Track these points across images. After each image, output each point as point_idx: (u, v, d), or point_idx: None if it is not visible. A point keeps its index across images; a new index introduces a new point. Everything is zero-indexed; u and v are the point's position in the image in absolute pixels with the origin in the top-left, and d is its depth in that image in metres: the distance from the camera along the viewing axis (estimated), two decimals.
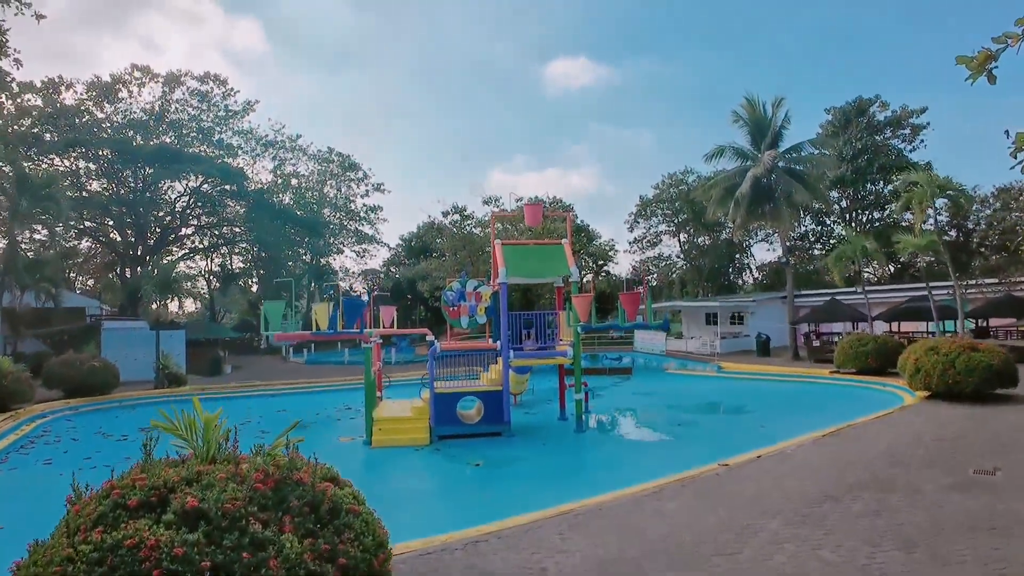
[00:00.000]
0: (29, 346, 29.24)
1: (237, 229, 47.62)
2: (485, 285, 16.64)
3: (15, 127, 30.43)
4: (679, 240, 64.35)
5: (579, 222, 60.02)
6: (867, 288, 28.64)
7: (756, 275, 63.65)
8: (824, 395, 21.27)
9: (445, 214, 51.86)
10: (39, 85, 37.47)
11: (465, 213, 51.42)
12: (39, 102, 37.58)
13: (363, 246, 63.45)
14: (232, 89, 44.09)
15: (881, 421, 13.34)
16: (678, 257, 65.51)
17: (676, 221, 62.21)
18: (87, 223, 42.64)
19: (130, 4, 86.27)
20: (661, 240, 65.06)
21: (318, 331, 14.83)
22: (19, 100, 35.87)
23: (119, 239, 42.39)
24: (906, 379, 17.27)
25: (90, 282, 57.26)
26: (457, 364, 16.80)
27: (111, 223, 41.84)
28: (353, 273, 67.42)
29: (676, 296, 62.21)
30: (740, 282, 64.36)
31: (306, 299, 59.13)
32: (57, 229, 29.94)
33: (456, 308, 16.21)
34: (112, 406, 21.43)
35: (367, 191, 61.79)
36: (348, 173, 60.83)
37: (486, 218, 49.76)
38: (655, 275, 67.78)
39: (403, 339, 46.02)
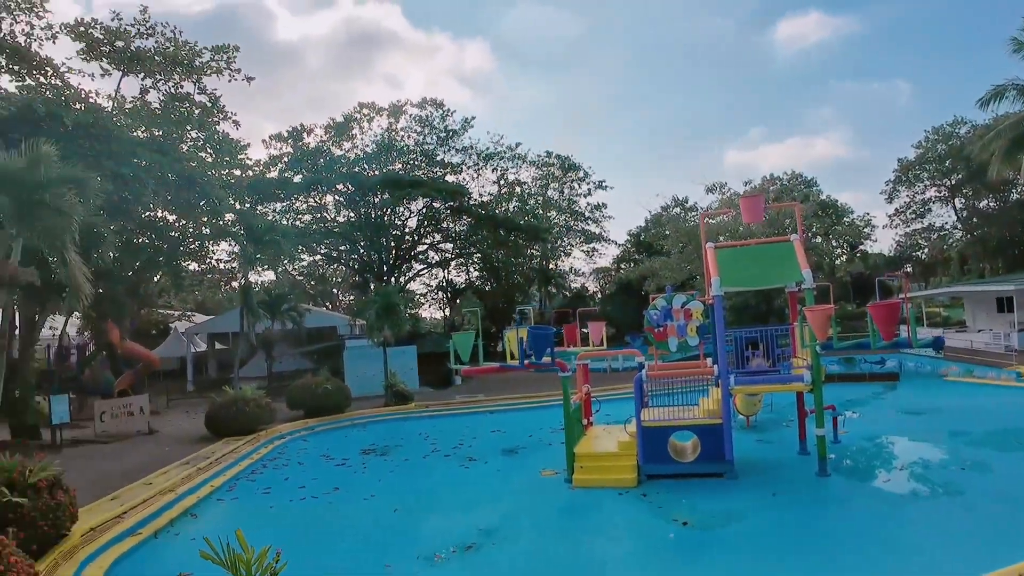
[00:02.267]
0: (288, 364, 33.19)
1: (464, 242, 49.85)
2: (696, 300, 14.35)
3: (253, 178, 34.73)
4: (954, 207, 53.90)
5: (824, 197, 53.09)
6: None
7: None
8: None
9: (665, 208, 49.23)
10: (285, 134, 43.13)
11: (687, 205, 48.26)
12: (289, 148, 43.19)
13: (591, 245, 62.96)
14: (449, 110, 46.52)
15: None
16: (954, 228, 54.91)
17: (948, 184, 52.15)
18: (340, 248, 47.67)
19: (373, 48, 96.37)
20: (930, 209, 55.11)
21: (507, 363, 13.85)
22: (268, 151, 42.05)
23: (364, 261, 46.73)
24: None
25: (351, 298, 64.40)
26: (667, 386, 14.78)
27: (351, 248, 46.22)
28: (584, 273, 67.25)
29: (955, 275, 52.21)
30: None
31: (537, 303, 60.29)
32: (280, 268, 33.66)
33: (662, 329, 14.16)
34: (344, 425, 22.88)
35: (589, 190, 61.15)
36: (569, 174, 60.67)
37: (712, 207, 46.09)
38: (925, 249, 57.70)
39: (636, 339, 44.11)
